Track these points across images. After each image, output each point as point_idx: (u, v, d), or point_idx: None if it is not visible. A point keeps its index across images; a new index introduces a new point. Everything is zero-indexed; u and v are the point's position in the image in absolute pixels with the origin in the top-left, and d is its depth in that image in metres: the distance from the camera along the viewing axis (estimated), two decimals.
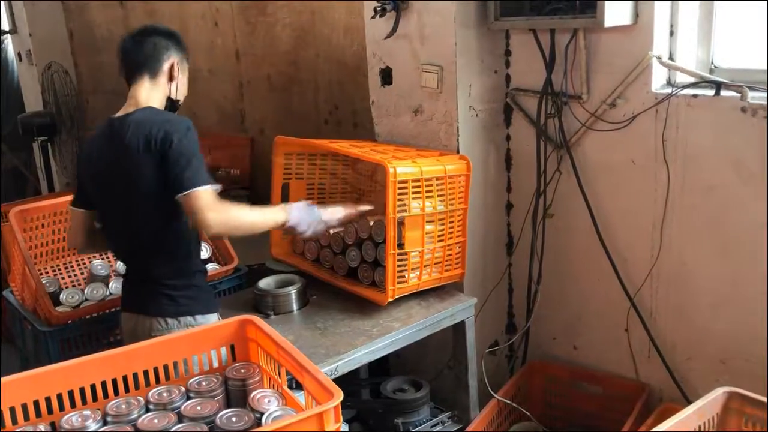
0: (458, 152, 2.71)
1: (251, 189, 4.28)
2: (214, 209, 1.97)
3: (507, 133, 2.90)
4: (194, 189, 1.97)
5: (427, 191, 2.40)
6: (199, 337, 1.57)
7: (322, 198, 2.95)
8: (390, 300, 2.37)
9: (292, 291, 2.48)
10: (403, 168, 2.32)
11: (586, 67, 2.56)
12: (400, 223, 2.36)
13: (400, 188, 2.32)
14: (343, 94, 3.61)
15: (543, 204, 2.77)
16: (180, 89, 2.23)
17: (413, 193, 2.36)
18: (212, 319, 2.17)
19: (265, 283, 2.54)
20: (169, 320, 2.12)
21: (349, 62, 3.52)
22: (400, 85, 2.86)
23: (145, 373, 1.50)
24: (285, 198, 2.84)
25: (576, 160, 2.67)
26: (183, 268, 2.15)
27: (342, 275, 2.64)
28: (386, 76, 2.90)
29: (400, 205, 2.33)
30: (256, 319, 1.59)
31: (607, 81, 2.53)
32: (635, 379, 2.74)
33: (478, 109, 2.76)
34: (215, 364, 1.60)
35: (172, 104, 2.23)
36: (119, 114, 2.16)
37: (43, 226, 2.71)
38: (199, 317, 2.14)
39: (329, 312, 2.46)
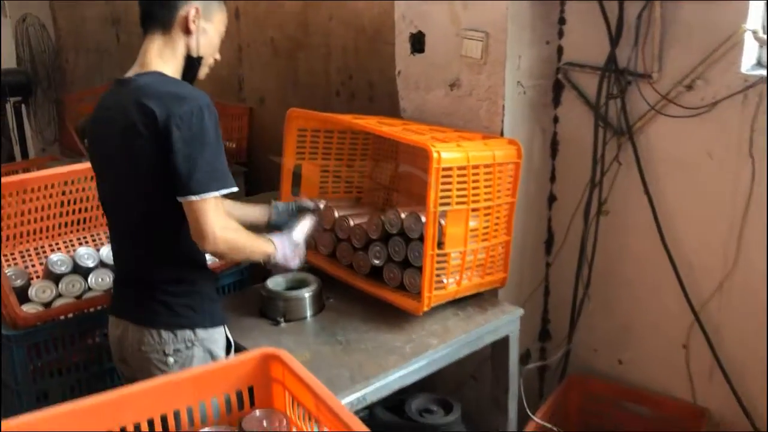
0: (502, 134, 2.33)
1: (249, 165, 3.88)
2: (219, 225, 1.63)
3: (554, 114, 2.52)
4: (199, 196, 1.60)
5: (473, 181, 2.01)
6: (207, 378, 1.17)
7: (337, 184, 2.55)
8: (425, 309, 1.99)
9: (307, 294, 2.09)
10: (448, 153, 1.93)
11: (660, 41, 2.17)
12: (441, 219, 1.97)
13: (443, 177, 1.93)
14: (359, 62, 3.19)
15: (598, 198, 2.40)
16: (203, 44, 1.79)
17: (458, 183, 1.97)
18: (216, 334, 1.79)
19: (274, 282, 2.14)
20: (164, 333, 1.72)
21: (367, 27, 3.10)
22: (433, 53, 2.45)
23: (137, 428, 1.11)
24: (297, 183, 2.44)
25: (639, 149, 2.30)
26: (185, 269, 1.76)
27: (363, 274, 2.26)
28: (417, 42, 2.49)
29: (443, 197, 1.94)
30: (282, 353, 1.21)
31: (684, 58, 2.15)
32: (692, 402, 2.40)
33: (527, 85, 2.37)
34: (228, 413, 1.21)
35: (191, 63, 1.80)
36: (128, 75, 1.76)
37: (9, 205, 2.27)
38: (200, 331, 1.75)
39: (350, 320, 2.08)
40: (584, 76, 2.39)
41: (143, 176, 1.67)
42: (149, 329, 1.73)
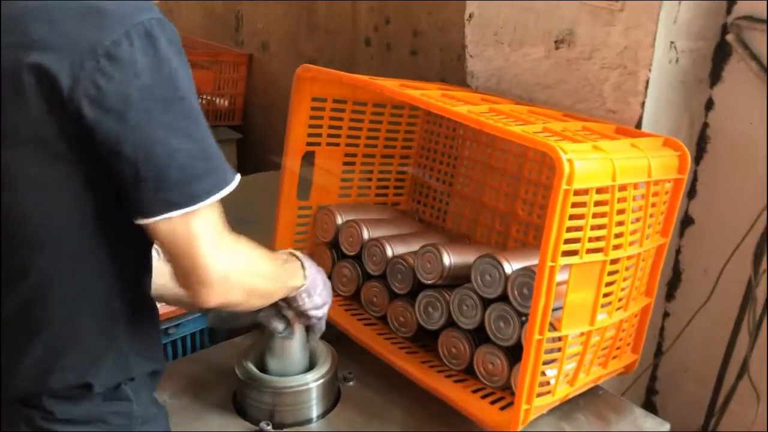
0: (640, 125, 1.46)
1: (243, 129, 3.01)
2: (226, 256, 0.87)
3: (709, 96, 1.64)
4: (184, 209, 0.83)
5: (618, 212, 1.14)
6: None
7: (366, 183, 1.68)
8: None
9: (314, 383, 1.23)
10: (583, 161, 1.06)
11: None
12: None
13: (575, 204, 1.06)
14: (401, 2, 2.30)
15: None
16: None
17: (593, 215, 1.11)
18: None
19: (256, 356, 1.29)
20: None
21: None
22: None
23: None
24: (306, 180, 1.57)
25: None
26: (126, 363, 0.93)
27: (405, 336, 1.41)
28: None
29: (569, 240, 1.08)
30: None
31: None
32: None
33: (682, 49, 1.49)
34: None
35: None
36: None
37: None
38: None
39: (386, 428, 1.23)
40: None
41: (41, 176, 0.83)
42: None
